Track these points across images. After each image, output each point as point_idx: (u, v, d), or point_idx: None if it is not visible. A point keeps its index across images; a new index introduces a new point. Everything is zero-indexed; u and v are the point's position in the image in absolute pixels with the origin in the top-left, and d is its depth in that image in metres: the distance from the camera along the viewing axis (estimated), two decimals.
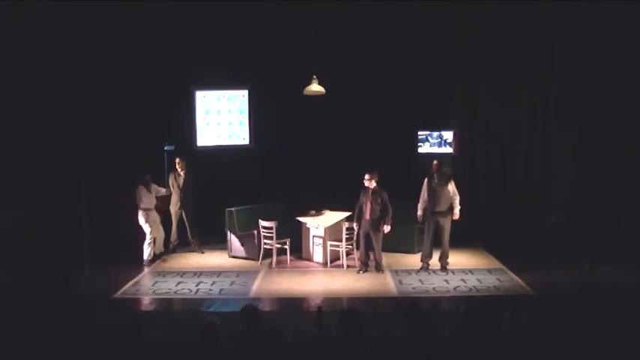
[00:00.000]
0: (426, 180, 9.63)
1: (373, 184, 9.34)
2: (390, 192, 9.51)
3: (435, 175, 9.54)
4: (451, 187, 9.48)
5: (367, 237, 9.47)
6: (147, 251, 10.20)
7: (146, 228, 10.18)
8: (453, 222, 9.55)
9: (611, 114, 10.71)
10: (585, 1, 10.64)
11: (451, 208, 9.46)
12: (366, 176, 9.33)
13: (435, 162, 9.73)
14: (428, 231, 9.60)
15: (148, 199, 10.26)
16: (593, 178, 10.80)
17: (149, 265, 10.04)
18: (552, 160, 11.62)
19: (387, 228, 9.36)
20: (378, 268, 9.48)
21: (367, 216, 9.37)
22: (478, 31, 11.61)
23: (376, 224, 9.34)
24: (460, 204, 9.52)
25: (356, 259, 9.81)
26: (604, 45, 10.62)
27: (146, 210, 10.21)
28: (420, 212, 9.71)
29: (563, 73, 11.40)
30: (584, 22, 10.84)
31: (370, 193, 9.34)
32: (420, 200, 9.65)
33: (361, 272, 9.48)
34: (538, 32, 11.34)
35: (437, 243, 9.67)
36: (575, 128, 11.35)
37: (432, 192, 9.48)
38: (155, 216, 10.43)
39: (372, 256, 9.59)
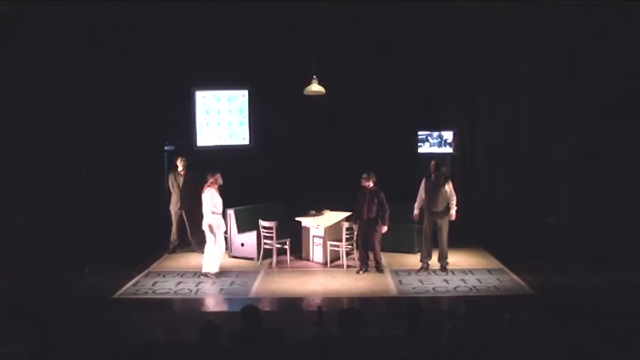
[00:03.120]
0: (424, 180, 9.63)
1: (370, 184, 9.34)
2: (390, 192, 9.51)
3: (433, 175, 9.54)
4: (448, 187, 9.44)
5: (365, 237, 9.47)
6: (215, 262, 9.18)
7: (212, 235, 9.11)
8: (451, 222, 9.53)
9: (611, 114, 10.71)
10: (586, 0, 10.65)
11: (448, 209, 9.43)
12: (364, 175, 9.35)
13: (432, 162, 9.72)
14: (425, 231, 9.59)
15: (218, 202, 9.15)
16: (593, 178, 10.81)
17: (218, 277, 9.14)
18: (552, 160, 11.62)
19: (384, 228, 9.36)
20: (379, 268, 9.48)
21: (364, 216, 9.37)
22: (478, 30, 11.62)
23: (373, 224, 9.34)
24: (457, 204, 9.49)
25: (356, 259, 9.81)
26: (605, 45, 10.62)
27: (216, 214, 9.13)
28: (416, 211, 9.71)
29: (564, 72, 11.40)
30: (584, 22, 10.85)
31: (367, 193, 9.34)
32: (417, 200, 9.65)
33: (361, 272, 9.48)
34: (538, 32, 11.36)
35: (436, 243, 9.65)
36: (575, 128, 11.35)
37: (429, 192, 9.47)
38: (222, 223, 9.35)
39: (371, 256, 9.58)
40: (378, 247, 9.45)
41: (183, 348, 4.77)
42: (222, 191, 9.27)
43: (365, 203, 9.33)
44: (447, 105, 11.92)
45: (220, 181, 9.18)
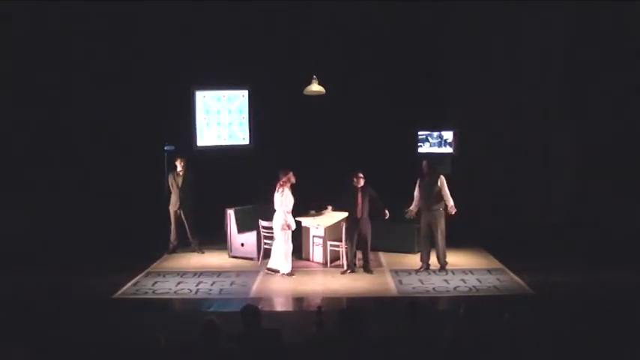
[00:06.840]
0: (418, 180, 9.55)
1: (362, 182, 9.32)
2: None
3: (426, 176, 9.45)
4: (441, 184, 9.31)
5: (359, 236, 9.36)
6: (288, 261, 9.25)
7: (281, 233, 9.18)
8: (451, 219, 9.39)
9: (611, 113, 10.73)
10: (587, 1, 10.68)
11: (442, 207, 9.32)
12: (361, 174, 9.30)
13: (424, 162, 9.57)
14: (421, 232, 9.56)
15: (290, 201, 9.18)
16: (593, 178, 10.81)
17: (290, 276, 9.21)
18: (552, 160, 11.62)
19: (387, 213, 9.30)
20: (367, 268, 9.43)
21: (358, 214, 9.30)
22: (478, 30, 11.64)
23: (366, 222, 9.29)
24: (454, 200, 9.30)
25: (343, 258, 9.72)
26: (604, 44, 10.63)
27: (287, 213, 9.15)
28: (413, 209, 9.53)
29: (564, 72, 11.42)
30: (585, 21, 10.87)
31: (359, 191, 9.28)
32: (415, 199, 9.55)
33: (348, 272, 9.41)
34: (538, 31, 11.37)
35: (433, 242, 9.59)
36: (575, 128, 11.37)
37: (422, 192, 9.39)
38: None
39: (359, 255, 9.52)
40: (369, 246, 9.41)
41: (183, 348, 4.77)
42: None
43: (358, 201, 9.29)
44: (447, 105, 11.92)
45: (293, 180, 9.19)
